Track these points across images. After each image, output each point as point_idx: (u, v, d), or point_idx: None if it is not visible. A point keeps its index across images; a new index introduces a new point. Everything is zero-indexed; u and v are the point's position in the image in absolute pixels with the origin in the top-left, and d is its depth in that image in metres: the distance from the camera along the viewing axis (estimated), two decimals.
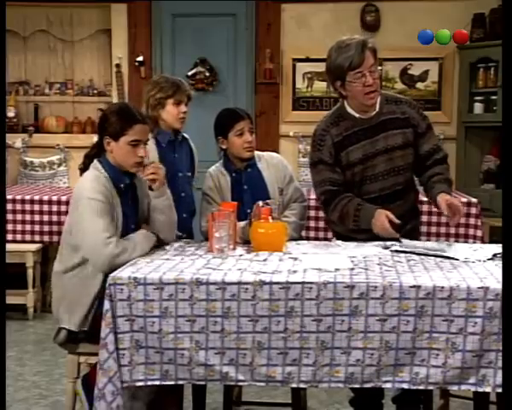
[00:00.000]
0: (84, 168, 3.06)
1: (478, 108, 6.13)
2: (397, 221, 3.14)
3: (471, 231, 4.96)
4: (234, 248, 3.03)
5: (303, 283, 2.49)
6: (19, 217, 5.33)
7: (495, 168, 6.07)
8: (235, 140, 3.46)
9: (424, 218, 4.87)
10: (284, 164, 3.60)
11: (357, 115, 3.27)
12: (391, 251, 3.02)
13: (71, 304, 2.96)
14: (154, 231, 3.06)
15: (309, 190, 5.51)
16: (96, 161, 3.02)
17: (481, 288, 2.45)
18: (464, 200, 5.05)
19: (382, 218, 3.14)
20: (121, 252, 2.81)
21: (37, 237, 5.35)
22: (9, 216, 5.28)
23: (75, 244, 2.93)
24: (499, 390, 2.47)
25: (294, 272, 2.61)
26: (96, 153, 3.06)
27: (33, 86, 6.84)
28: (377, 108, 3.29)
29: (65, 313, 2.98)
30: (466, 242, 4.75)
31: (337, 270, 2.63)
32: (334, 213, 3.30)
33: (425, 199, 4.92)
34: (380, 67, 3.29)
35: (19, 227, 5.33)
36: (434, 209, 4.94)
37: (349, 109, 3.28)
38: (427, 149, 3.33)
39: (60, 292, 3.03)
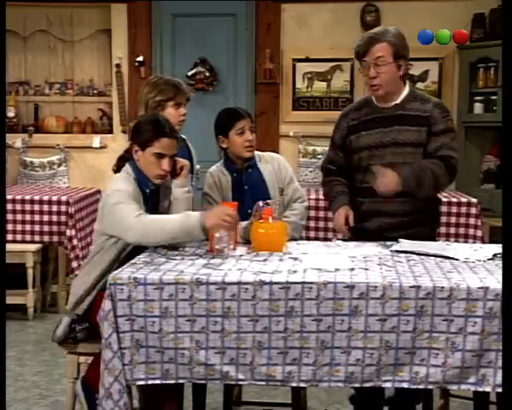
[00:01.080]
0: (116, 170, 3.16)
1: (478, 108, 6.13)
2: (351, 224, 3.32)
3: (471, 231, 4.96)
4: (234, 249, 3.03)
5: (303, 283, 2.49)
6: (19, 217, 5.33)
7: (495, 168, 6.08)
8: (236, 139, 3.46)
9: None
10: (285, 164, 3.60)
11: (375, 103, 3.36)
12: (391, 251, 3.03)
13: (75, 286, 3.11)
14: None
15: (309, 190, 5.54)
16: (127, 164, 3.11)
17: (481, 288, 2.45)
18: (464, 200, 5.06)
19: (341, 217, 3.34)
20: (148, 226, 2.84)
21: (37, 238, 5.34)
22: (9, 216, 5.27)
23: (99, 241, 3.04)
24: (499, 390, 2.47)
25: (294, 272, 2.61)
26: (128, 157, 3.12)
27: (33, 86, 6.84)
28: (398, 101, 3.32)
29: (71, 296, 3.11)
30: (466, 242, 4.75)
31: (337, 270, 2.64)
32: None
33: None
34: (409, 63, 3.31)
35: (19, 227, 5.33)
36: None
37: (371, 96, 3.40)
38: (434, 146, 3.26)
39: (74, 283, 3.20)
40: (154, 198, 3.13)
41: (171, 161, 3.05)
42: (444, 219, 4.93)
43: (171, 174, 3.13)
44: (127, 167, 3.10)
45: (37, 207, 5.33)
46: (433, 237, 3.44)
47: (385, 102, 3.33)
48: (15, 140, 6.55)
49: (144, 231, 2.83)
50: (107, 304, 2.53)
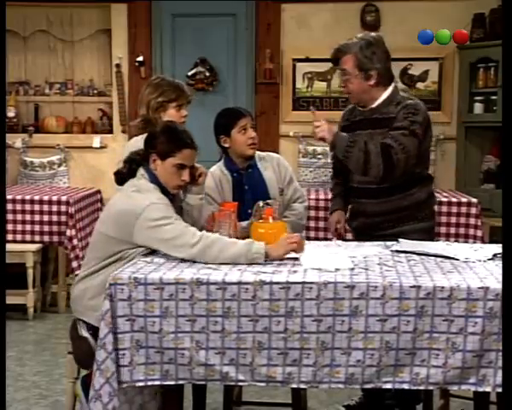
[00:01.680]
0: (128, 173, 3.04)
1: (478, 108, 6.12)
2: (340, 230, 3.65)
3: (471, 231, 4.97)
4: None
5: (303, 283, 2.49)
6: (19, 217, 5.33)
7: (495, 168, 6.07)
8: (239, 137, 3.45)
9: None
10: (285, 164, 3.61)
11: (357, 106, 3.47)
12: (391, 251, 3.03)
13: (93, 298, 2.95)
14: None
15: (309, 190, 5.54)
16: (143, 171, 3.01)
17: (481, 288, 2.45)
18: (464, 200, 5.06)
19: (332, 224, 3.67)
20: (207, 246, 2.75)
21: (37, 238, 5.34)
22: (9, 216, 5.27)
23: (116, 249, 2.90)
24: (499, 390, 2.48)
25: (294, 272, 2.61)
26: (140, 160, 3.05)
27: (33, 86, 6.83)
28: (374, 105, 3.36)
29: (89, 309, 2.97)
30: (466, 242, 4.76)
31: (337, 270, 2.63)
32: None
33: None
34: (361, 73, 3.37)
35: (19, 227, 5.33)
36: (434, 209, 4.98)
37: None
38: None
39: (82, 290, 3.02)
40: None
41: (191, 171, 3.03)
42: (444, 219, 4.94)
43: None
44: (145, 175, 3.00)
45: (37, 207, 5.33)
46: (425, 237, 3.36)
47: (363, 106, 3.43)
48: (15, 140, 6.55)
49: (207, 249, 2.74)
50: (105, 304, 2.53)
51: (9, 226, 5.27)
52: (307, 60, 6.41)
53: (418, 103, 3.39)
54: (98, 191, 6.00)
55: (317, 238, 4.89)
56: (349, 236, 3.80)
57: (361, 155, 3.23)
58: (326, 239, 4.68)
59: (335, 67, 3.50)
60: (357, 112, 3.48)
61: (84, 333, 2.98)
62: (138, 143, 3.21)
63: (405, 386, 2.52)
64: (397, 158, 3.23)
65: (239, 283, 2.50)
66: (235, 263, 2.71)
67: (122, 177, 3.08)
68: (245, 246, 2.75)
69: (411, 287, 2.46)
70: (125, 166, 3.09)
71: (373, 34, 3.47)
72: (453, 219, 4.99)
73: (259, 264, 2.71)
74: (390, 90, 3.40)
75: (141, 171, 3.03)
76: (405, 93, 3.57)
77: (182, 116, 3.59)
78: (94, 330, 2.92)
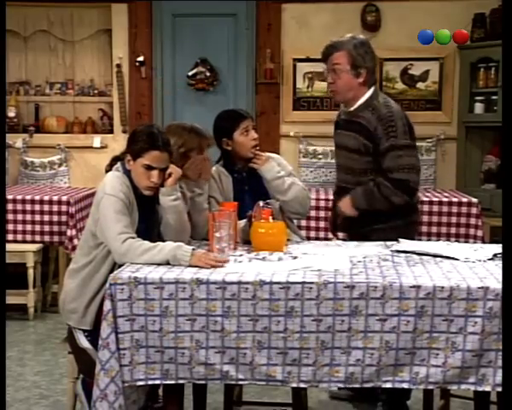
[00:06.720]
0: (110, 170, 3.13)
1: (478, 108, 6.12)
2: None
3: (471, 231, 4.97)
4: (234, 248, 3.03)
5: (303, 283, 2.50)
6: (19, 217, 5.32)
7: (495, 168, 6.07)
8: (242, 139, 3.44)
9: (425, 218, 4.89)
10: (283, 163, 3.61)
11: (341, 105, 3.60)
12: (391, 251, 3.03)
13: (72, 301, 3.02)
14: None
15: (309, 190, 5.52)
16: (119, 163, 3.09)
17: (481, 288, 2.45)
18: (465, 200, 5.06)
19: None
20: (127, 251, 2.79)
21: (37, 238, 5.33)
22: (10, 216, 5.27)
23: (92, 244, 2.99)
24: (499, 389, 2.48)
25: (294, 272, 2.61)
26: (123, 158, 3.10)
27: (34, 86, 6.83)
28: (352, 108, 3.44)
29: (69, 312, 3.03)
30: (466, 242, 4.76)
31: (337, 270, 2.64)
32: None
33: (425, 199, 4.97)
34: (356, 71, 3.43)
35: (19, 227, 5.32)
36: (435, 209, 4.99)
37: None
38: (386, 166, 3.33)
39: (65, 289, 3.10)
40: (150, 203, 3.07)
41: (162, 173, 3.00)
42: (444, 219, 4.96)
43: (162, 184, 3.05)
44: (118, 167, 3.07)
45: (37, 207, 5.32)
46: (404, 232, 3.39)
47: (347, 106, 3.50)
48: (16, 140, 6.54)
49: (133, 260, 2.76)
50: (106, 304, 2.53)
51: (10, 226, 5.27)
52: (308, 60, 6.40)
53: (392, 111, 3.38)
54: None
55: (317, 238, 4.89)
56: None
57: (382, 203, 3.36)
58: (326, 239, 4.68)
59: (324, 65, 3.56)
60: (343, 110, 3.58)
61: (83, 343, 2.99)
62: None
63: (405, 385, 2.53)
64: (410, 183, 3.35)
65: (239, 282, 2.51)
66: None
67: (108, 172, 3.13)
68: (170, 251, 2.74)
69: (411, 287, 2.47)
70: (110, 163, 3.16)
71: (362, 36, 3.56)
72: (453, 219, 4.99)
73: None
74: (370, 92, 3.44)
75: (117, 164, 3.10)
76: (384, 98, 3.51)
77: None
78: (91, 334, 2.94)
